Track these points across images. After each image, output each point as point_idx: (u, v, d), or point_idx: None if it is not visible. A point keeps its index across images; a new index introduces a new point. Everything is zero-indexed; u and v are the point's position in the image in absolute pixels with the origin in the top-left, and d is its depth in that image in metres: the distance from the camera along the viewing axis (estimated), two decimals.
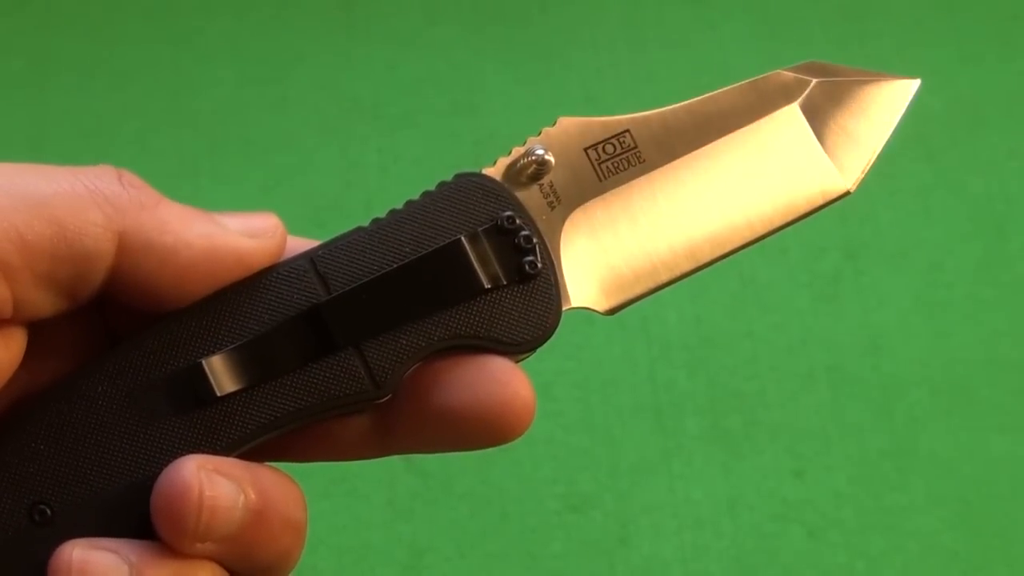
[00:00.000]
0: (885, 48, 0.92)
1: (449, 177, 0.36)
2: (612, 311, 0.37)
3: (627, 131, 0.38)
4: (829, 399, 0.80)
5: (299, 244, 0.36)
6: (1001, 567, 0.75)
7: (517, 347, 0.35)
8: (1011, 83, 0.90)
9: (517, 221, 0.36)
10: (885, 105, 0.39)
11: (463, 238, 0.35)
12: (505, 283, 0.35)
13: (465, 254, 0.35)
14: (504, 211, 0.36)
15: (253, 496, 0.33)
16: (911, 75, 0.40)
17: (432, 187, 0.36)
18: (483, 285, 0.35)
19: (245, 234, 0.35)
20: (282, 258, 0.35)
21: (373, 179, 0.88)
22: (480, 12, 0.94)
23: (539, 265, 0.35)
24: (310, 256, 0.35)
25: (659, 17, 0.93)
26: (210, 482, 0.32)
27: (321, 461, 0.37)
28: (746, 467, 0.78)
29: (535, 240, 0.36)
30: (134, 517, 0.33)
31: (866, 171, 0.38)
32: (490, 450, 0.35)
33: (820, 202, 0.38)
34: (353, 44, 0.92)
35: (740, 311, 0.82)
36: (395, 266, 0.35)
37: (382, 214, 0.36)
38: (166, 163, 0.88)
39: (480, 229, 0.36)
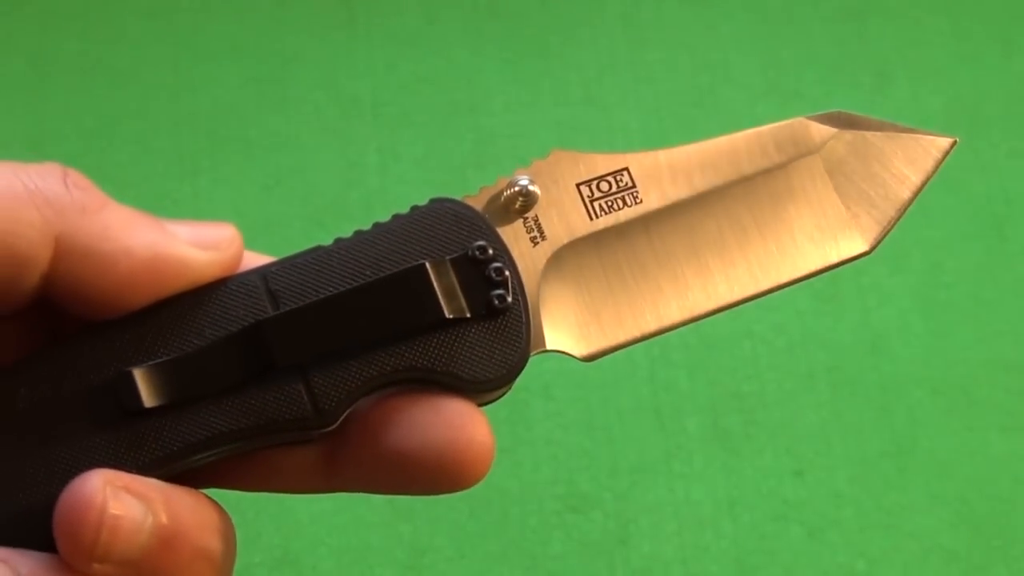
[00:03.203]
0: (885, 48, 0.91)
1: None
2: (590, 358, 0.35)
3: (626, 169, 0.35)
4: (829, 399, 0.80)
5: (260, 260, 0.34)
6: (1001, 567, 0.75)
7: (477, 386, 0.33)
8: (1011, 83, 0.90)
9: (490, 252, 0.33)
10: (913, 162, 0.37)
11: (427, 264, 0.33)
12: (469, 316, 0.33)
13: (427, 281, 0.33)
14: (476, 240, 0.34)
15: (164, 520, 0.30)
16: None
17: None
18: (444, 316, 0.33)
19: (195, 245, 0.33)
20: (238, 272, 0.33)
21: (373, 179, 0.87)
22: (480, 11, 0.93)
23: (508, 299, 0.33)
24: (263, 272, 0.33)
25: (659, 17, 0.93)
26: (116, 499, 0.30)
27: (263, 491, 0.35)
28: (746, 467, 0.78)
29: (507, 273, 0.33)
30: (43, 530, 0.30)
31: (887, 231, 0.36)
32: None
33: (834, 261, 0.36)
34: (353, 44, 0.92)
35: (740, 311, 0.82)
36: (349, 287, 0.33)
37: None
38: (166, 163, 0.88)
39: (448, 257, 0.33)
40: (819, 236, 0.36)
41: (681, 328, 0.36)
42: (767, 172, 0.36)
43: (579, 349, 0.35)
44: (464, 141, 0.89)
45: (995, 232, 0.85)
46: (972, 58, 0.91)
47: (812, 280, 0.82)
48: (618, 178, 0.35)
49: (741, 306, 0.85)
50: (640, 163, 0.35)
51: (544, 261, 0.34)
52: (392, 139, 0.89)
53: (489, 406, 0.35)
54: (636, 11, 0.93)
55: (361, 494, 0.80)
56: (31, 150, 0.88)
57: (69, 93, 0.91)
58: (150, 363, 0.32)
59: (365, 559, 0.75)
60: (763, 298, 0.84)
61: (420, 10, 0.93)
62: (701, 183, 0.35)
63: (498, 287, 0.33)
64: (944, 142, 0.38)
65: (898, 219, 0.37)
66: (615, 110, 0.89)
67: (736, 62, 0.90)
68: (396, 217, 0.34)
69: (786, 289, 0.83)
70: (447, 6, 0.94)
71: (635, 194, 0.35)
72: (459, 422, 0.32)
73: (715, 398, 0.80)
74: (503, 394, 0.34)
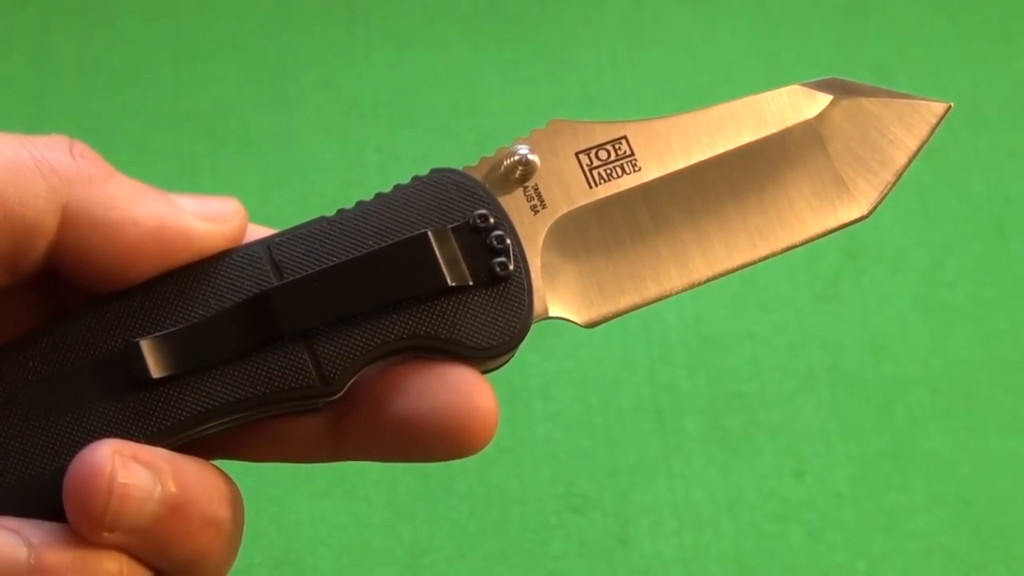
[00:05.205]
0: (885, 48, 0.91)
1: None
2: (592, 324, 0.35)
3: (624, 137, 0.36)
4: (829, 399, 0.80)
5: (264, 233, 0.35)
6: (1001, 567, 0.75)
7: (480, 352, 0.33)
8: (1011, 83, 0.90)
9: (491, 220, 0.34)
10: (909, 128, 0.37)
11: (429, 232, 0.33)
12: (472, 284, 0.33)
13: (430, 249, 0.33)
14: (477, 209, 0.34)
15: (172, 488, 0.31)
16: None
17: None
18: (447, 283, 0.33)
19: (200, 217, 0.33)
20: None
21: (373, 179, 0.87)
22: (480, 11, 0.93)
23: (510, 267, 0.34)
24: (267, 243, 0.34)
25: (659, 17, 0.93)
26: (125, 469, 0.30)
27: (271, 461, 0.35)
28: (746, 467, 0.78)
29: (508, 240, 0.34)
30: (53, 501, 0.31)
31: (884, 195, 0.36)
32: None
33: (831, 225, 0.37)
34: (353, 44, 0.92)
35: (740, 311, 0.82)
36: (352, 256, 0.33)
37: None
38: (166, 163, 0.88)
39: (450, 226, 0.34)
40: (817, 202, 0.37)
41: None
42: (764, 139, 0.36)
43: (581, 316, 0.35)
44: (464, 141, 0.89)
45: (995, 232, 0.85)
46: (972, 58, 0.91)
47: (812, 280, 0.82)
48: (616, 147, 0.36)
49: (741, 303, 0.85)
50: (638, 132, 0.36)
51: (545, 229, 0.35)
52: (392, 139, 0.89)
53: None
54: (636, 11, 0.93)
55: (360, 494, 0.80)
56: None
57: (69, 93, 0.91)
58: (157, 334, 0.32)
59: (365, 559, 0.75)
60: (763, 295, 0.84)
61: (420, 10, 0.93)
62: (698, 151, 0.36)
63: (500, 255, 0.34)
64: (939, 107, 0.38)
65: (895, 183, 0.37)
66: (615, 110, 0.89)
67: (736, 62, 0.90)
68: (397, 187, 0.35)
69: (785, 289, 0.82)
70: (447, 6, 0.94)
71: (634, 162, 0.36)
72: (464, 388, 0.33)
73: (715, 398, 0.80)
74: (506, 361, 0.35)
